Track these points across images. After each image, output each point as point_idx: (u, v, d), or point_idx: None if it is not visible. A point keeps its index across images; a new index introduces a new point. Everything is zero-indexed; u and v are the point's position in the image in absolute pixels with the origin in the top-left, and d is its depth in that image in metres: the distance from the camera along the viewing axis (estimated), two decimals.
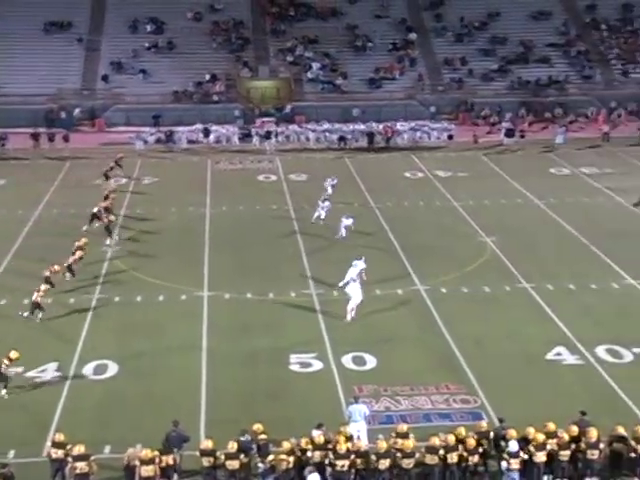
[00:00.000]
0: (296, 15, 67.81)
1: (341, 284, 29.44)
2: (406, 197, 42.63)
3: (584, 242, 35.82)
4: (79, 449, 19.72)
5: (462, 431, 20.38)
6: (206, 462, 19.89)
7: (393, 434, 20.56)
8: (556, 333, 27.48)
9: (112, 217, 36.48)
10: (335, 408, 23.16)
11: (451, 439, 20.08)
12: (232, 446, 19.82)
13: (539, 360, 25.81)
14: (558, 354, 26.15)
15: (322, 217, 37.95)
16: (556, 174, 47.16)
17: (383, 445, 19.99)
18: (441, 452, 19.92)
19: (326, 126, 55.50)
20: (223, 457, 19.81)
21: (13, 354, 24.02)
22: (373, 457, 19.86)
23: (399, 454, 19.90)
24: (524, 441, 20.10)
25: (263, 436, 20.49)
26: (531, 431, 20.18)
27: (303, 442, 20.09)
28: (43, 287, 28.82)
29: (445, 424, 22.10)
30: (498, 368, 25.37)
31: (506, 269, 33.02)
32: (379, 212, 40.07)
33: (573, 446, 20.03)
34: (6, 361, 23.94)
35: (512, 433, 20.17)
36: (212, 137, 54.78)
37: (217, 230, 37.56)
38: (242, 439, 20.19)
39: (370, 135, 54.06)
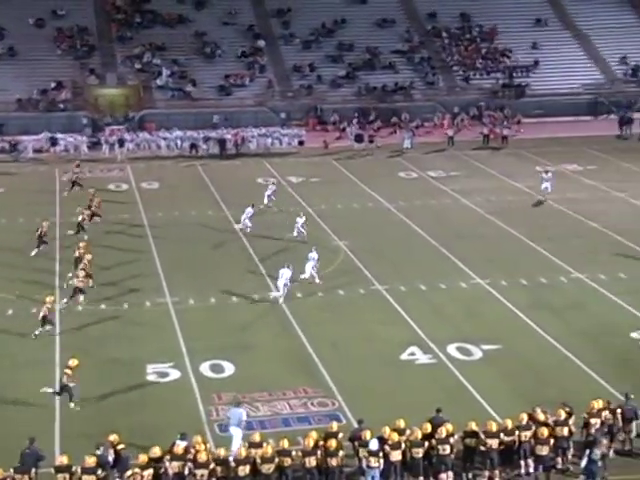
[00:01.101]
0: (142, 22, 66.93)
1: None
2: (260, 203, 42.66)
3: (433, 243, 36.75)
4: None
5: (313, 435, 20.51)
6: (61, 479, 19.33)
7: (246, 444, 20.49)
8: (409, 333, 28.08)
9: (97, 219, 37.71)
10: (194, 416, 22.97)
11: (309, 443, 20.21)
12: (89, 461, 19.35)
13: (394, 360, 26.31)
14: (412, 354, 26.71)
15: (249, 225, 38.01)
16: (405, 177, 48.22)
17: (242, 452, 19.97)
18: (298, 454, 20.07)
19: (177, 133, 55.01)
20: (79, 472, 19.30)
21: (72, 362, 23.69)
22: (232, 464, 19.79)
23: (258, 460, 19.91)
24: (380, 440, 20.43)
25: (121, 446, 20.11)
26: (386, 430, 20.54)
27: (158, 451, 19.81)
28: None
29: (304, 427, 22.21)
30: (355, 370, 25.72)
31: (360, 272, 33.52)
32: (232, 219, 39.99)
33: (427, 443, 20.46)
34: (68, 371, 23.52)
35: (366, 434, 20.46)
36: (60, 146, 53.42)
37: (69, 241, 36.57)
38: (98, 453, 19.75)
39: (222, 142, 53.92)
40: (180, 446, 19.99)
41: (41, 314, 27.52)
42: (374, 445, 20.15)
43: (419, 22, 71.23)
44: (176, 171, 47.42)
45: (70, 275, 31.15)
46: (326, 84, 64.23)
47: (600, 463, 19.85)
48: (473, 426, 20.77)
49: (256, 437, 20.63)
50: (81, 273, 29.98)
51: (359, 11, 70.56)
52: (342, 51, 66.90)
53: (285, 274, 30.44)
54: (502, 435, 20.55)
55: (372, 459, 20.08)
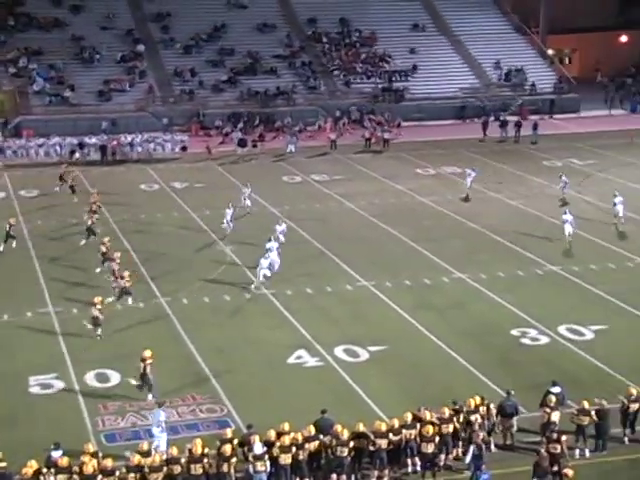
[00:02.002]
0: (16, 25, 65.26)
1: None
2: (143, 209, 42.20)
3: (318, 246, 36.99)
4: None
5: (199, 442, 20.40)
6: None
7: (133, 453, 20.21)
8: (296, 337, 28.19)
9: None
10: (80, 427, 22.53)
11: (197, 450, 20.08)
12: None
13: (282, 364, 26.37)
14: (299, 357, 26.83)
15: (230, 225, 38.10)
16: (289, 182, 48.39)
17: (135, 460, 19.75)
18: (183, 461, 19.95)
19: (56, 140, 53.80)
20: None
21: (148, 353, 24.21)
22: (118, 473, 19.51)
23: (147, 469, 19.69)
24: (268, 444, 20.46)
25: (3, 464, 19.53)
26: (272, 434, 20.56)
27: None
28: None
29: (193, 435, 22.05)
30: (242, 375, 25.67)
31: (246, 277, 33.48)
32: (116, 226, 39.39)
33: (309, 445, 20.54)
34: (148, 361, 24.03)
35: (255, 438, 20.46)
36: None
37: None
38: None
39: (103, 148, 53.02)
40: (56, 456, 19.56)
41: (94, 314, 27.70)
42: (259, 449, 20.18)
43: (299, 27, 71.64)
44: (56, 178, 46.34)
45: (98, 270, 32.34)
46: (208, 89, 63.91)
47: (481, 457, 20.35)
48: (361, 427, 20.99)
49: (144, 446, 20.38)
50: (125, 273, 30.35)
51: (239, 16, 70.55)
52: (223, 56, 66.70)
53: (264, 263, 32.03)
54: (390, 435, 20.83)
55: (258, 463, 20.09)
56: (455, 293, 32.00)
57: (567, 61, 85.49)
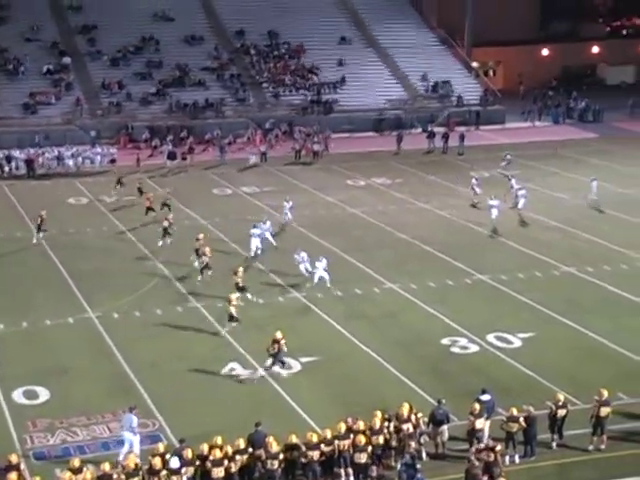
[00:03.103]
0: None
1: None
2: (71, 224, 41.64)
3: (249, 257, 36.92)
4: None
5: (132, 457, 20.18)
6: None
7: (64, 471, 19.89)
8: (228, 350, 28.05)
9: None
10: (7, 445, 22.05)
11: (130, 465, 19.86)
12: None
13: (214, 377, 26.23)
14: (232, 369, 26.72)
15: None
16: (219, 194, 48.22)
17: (66, 477, 19.46)
18: (121, 477, 19.70)
19: None
20: None
21: (279, 334, 26.09)
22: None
23: None
24: (201, 458, 20.31)
25: None
26: (205, 448, 20.44)
27: None
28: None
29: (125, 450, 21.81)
30: (174, 389, 25.46)
31: (177, 290, 33.25)
32: (44, 241, 38.77)
33: (240, 458, 20.46)
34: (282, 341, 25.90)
35: (188, 452, 20.31)
36: None
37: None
38: None
39: (29, 162, 52.17)
40: None
41: (231, 310, 28.71)
42: (175, 463, 20.01)
43: (227, 39, 71.59)
44: None
45: (197, 265, 33.85)
46: (136, 101, 63.39)
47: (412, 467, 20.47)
48: (294, 439, 20.96)
49: (75, 462, 20.06)
50: (239, 270, 31.28)
51: (167, 28, 70.26)
52: (151, 68, 66.28)
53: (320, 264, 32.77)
54: (323, 446, 20.84)
55: (174, 477, 19.90)
56: (386, 303, 32.19)
57: (492, 74, 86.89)
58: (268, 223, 38.13)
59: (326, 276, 33.05)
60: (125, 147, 58.74)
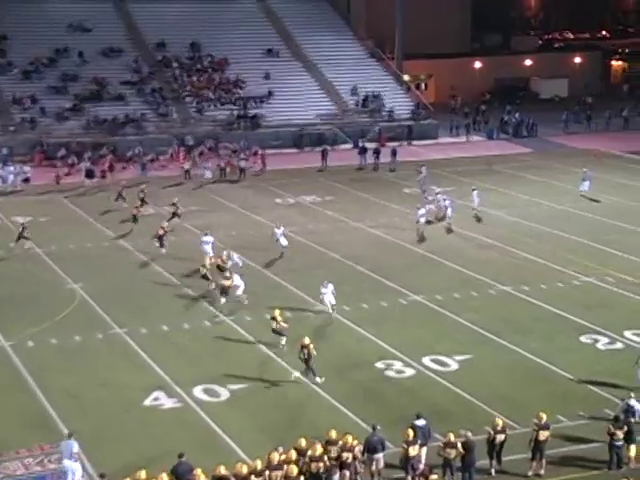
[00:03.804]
0: None
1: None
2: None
3: (175, 282, 36.65)
4: None
5: None
6: None
7: None
8: (153, 378, 27.78)
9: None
10: None
11: None
12: None
13: (137, 407, 25.93)
14: (156, 399, 26.44)
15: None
16: (142, 214, 47.62)
17: None
18: None
19: None
20: None
21: (307, 340, 27.53)
22: None
23: None
24: None
25: None
26: None
27: None
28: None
29: None
30: (95, 420, 25.10)
31: (97, 315, 32.86)
32: None
33: None
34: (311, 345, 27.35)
35: None
36: None
37: None
38: None
39: None
40: None
41: (274, 326, 29.85)
42: None
43: (148, 52, 71.33)
44: None
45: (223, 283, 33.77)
46: (51, 117, 62.70)
47: None
48: (222, 470, 20.77)
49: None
50: (278, 314, 30.50)
51: (83, 39, 69.79)
52: (66, 82, 65.64)
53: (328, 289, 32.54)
54: (253, 477, 20.69)
55: None
56: (318, 325, 32.21)
57: (423, 87, 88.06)
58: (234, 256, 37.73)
59: (333, 300, 32.96)
60: (40, 165, 57.94)
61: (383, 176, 57.17)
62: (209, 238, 38.70)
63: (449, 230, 43.80)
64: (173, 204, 44.91)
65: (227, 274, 34.19)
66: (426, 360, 29.03)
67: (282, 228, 40.47)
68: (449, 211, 44.86)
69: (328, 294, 32.81)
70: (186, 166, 56.27)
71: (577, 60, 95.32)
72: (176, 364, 28.72)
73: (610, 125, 73.93)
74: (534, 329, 31.72)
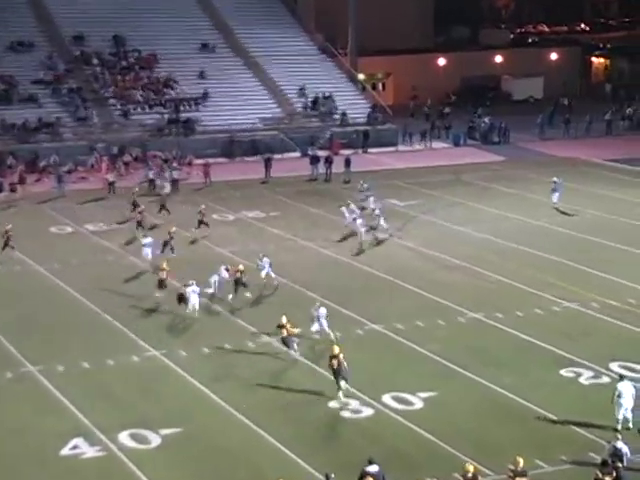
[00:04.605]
0: None
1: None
2: None
3: (96, 311, 36.43)
4: None
5: None
6: None
7: None
8: (71, 423, 27.58)
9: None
10: None
11: None
12: None
13: (53, 457, 25.72)
14: (75, 447, 26.24)
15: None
16: (58, 233, 47.58)
17: None
18: None
19: None
20: None
21: (336, 349, 29.20)
22: None
23: None
24: None
25: None
26: None
27: None
28: None
29: None
30: (5, 474, 24.83)
31: (6, 351, 32.54)
32: None
33: None
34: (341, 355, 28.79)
35: None
36: None
37: None
38: None
39: None
40: None
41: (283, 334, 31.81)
42: None
43: (64, 46, 71.06)
44: None
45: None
46: None
47: None
48: None
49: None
50: (285, 321, 32.32)
51: None
52: None
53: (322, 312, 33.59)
54: None
55: None
56: (263, 360, 32.20)
57: (380, 87, 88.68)
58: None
59: (325, 325, 33.53)
60: None
61: (336, 188, 57.39)
62: (148, 240, 41.45)
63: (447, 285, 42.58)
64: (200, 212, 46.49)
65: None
66: (386, 398, 29.13)
67: (266, 259, 39.71)
68: (381, 219, 45.78)
69: (322, 319, 33.59)
70: (110, 178, 56.00)
71: (553, 56, 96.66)
72: (99, 406, 28.54)
73: (591, 130, 74.95)
74: (508, 362, 31.98)
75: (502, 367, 31.45)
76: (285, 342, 32.14)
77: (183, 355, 32.40)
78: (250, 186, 57.56)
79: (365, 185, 52.66)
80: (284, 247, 45.17)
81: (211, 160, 60.76)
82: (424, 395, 29.35)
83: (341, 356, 28.77)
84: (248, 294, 37.07)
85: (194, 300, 35.66)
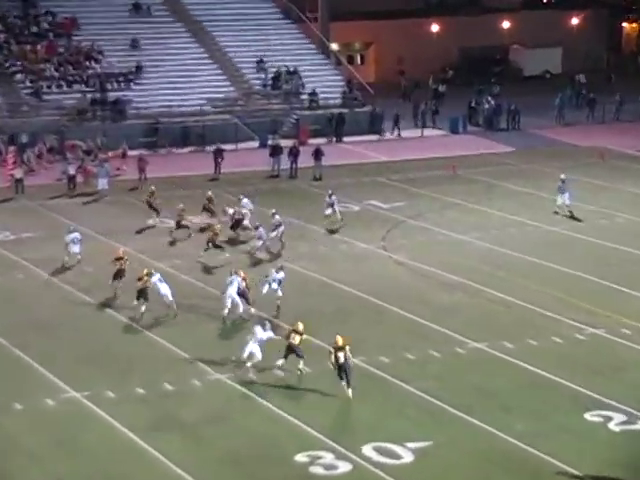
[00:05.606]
0: None
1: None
2: None
3: (2, 343, 36.30)
4: None
5: None
6: None
7: None
8: None
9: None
10: None
11: None
12: None
13: None
14: None
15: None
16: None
17: None
18: None
19: None
20: None
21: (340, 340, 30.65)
22: None
23: None
24: None
25: None
26: None
27: None
28: None
29: None
30: None
31: None
32: None
33: None
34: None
35: None
36: None
37: None
38: None
39: None
40: None
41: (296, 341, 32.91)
42: None
43: None
44: None
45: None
46: None
47: None
48: None
49: None
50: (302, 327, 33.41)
51: None
52: None
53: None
54: None
55: None
56: (212, 402, 32.16)
57: (359, 60, 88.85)
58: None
59: (258, 354, 33.48)
60: None
61: (304, 187, 57.42)
62: (75, 235, 44.18)
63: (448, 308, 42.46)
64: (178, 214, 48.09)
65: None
66: (367, 449, 29.12)
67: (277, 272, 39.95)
68: (281, 229, 46.61)
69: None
70: (17, 174, 55.84)
71: (574, 21, 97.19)
72: (4, 462, 28.40)
73: (621, 113, 75.27)
74: (520, 404, 32.06)
75: (512, 410, 31.54)
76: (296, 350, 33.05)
77: (110, 397, 32.30)
78: (197, 184, 57.40)
79: (333, 199, 51.05)
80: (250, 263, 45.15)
81: (145, 152, 60.90)
82: (414, 446, 29.36)
83: (347, 348, 30.66)
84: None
85: (165, 290, 37.42)
